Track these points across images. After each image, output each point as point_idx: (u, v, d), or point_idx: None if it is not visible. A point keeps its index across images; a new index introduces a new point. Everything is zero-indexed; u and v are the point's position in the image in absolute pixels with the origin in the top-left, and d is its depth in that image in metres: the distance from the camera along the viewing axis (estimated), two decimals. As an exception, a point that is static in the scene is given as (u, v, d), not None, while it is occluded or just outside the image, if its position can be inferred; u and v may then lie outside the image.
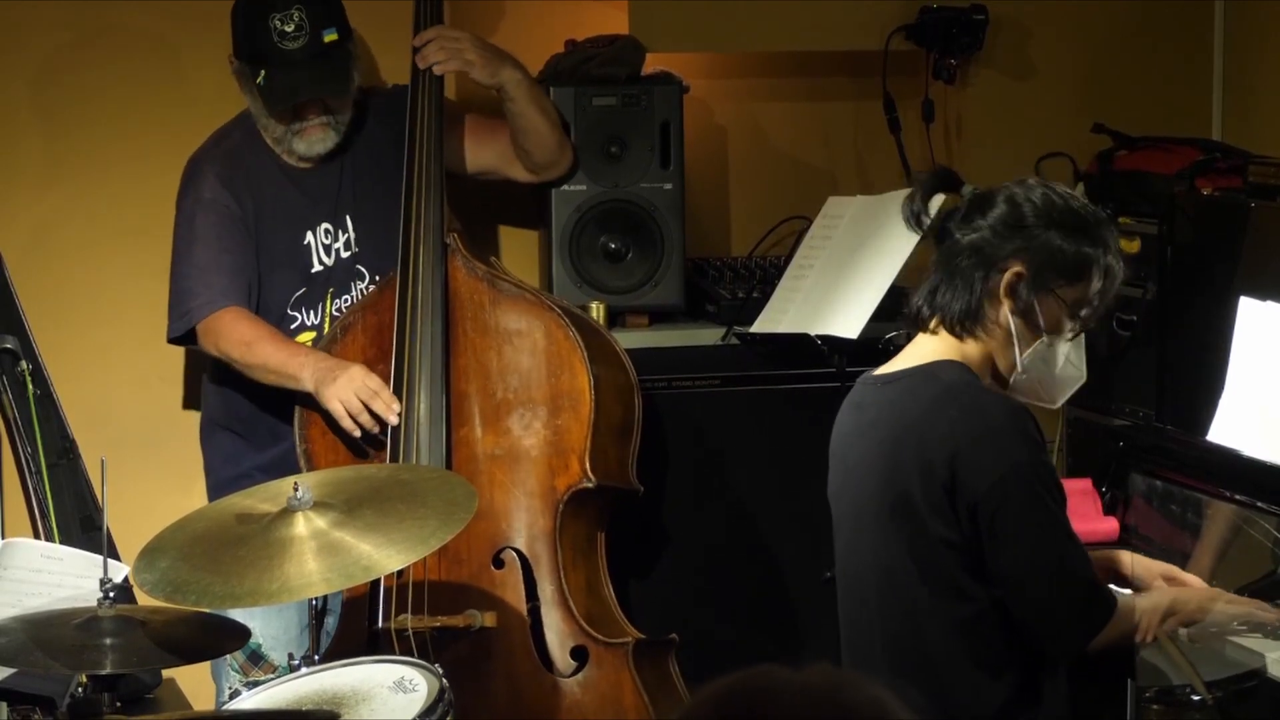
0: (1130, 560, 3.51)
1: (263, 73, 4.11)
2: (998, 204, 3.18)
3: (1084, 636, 3.13)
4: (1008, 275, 3.14)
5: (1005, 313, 3.15)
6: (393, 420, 3.98)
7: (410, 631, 3.90)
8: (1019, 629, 3.12)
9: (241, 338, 4.10)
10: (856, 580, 3.25)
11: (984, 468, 3.06)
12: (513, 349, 4.07)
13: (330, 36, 4.14)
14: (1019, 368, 3.18)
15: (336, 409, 3.98)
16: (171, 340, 4.24)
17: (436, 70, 4.19)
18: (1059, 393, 3.26)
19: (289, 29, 4.09)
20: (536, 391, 4.04)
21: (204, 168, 4.23)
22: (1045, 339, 3.17)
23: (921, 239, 4.29)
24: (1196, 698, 3.26)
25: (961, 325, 3.16)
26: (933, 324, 3.20)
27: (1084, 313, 3.18)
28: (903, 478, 3.12)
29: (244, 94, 4.22)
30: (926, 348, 3.22)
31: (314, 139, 4.20)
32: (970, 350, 3.18)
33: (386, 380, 4.03)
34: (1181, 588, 3.40)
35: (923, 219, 3.26)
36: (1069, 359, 3.22)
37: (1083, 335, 3.24)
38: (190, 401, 4.59)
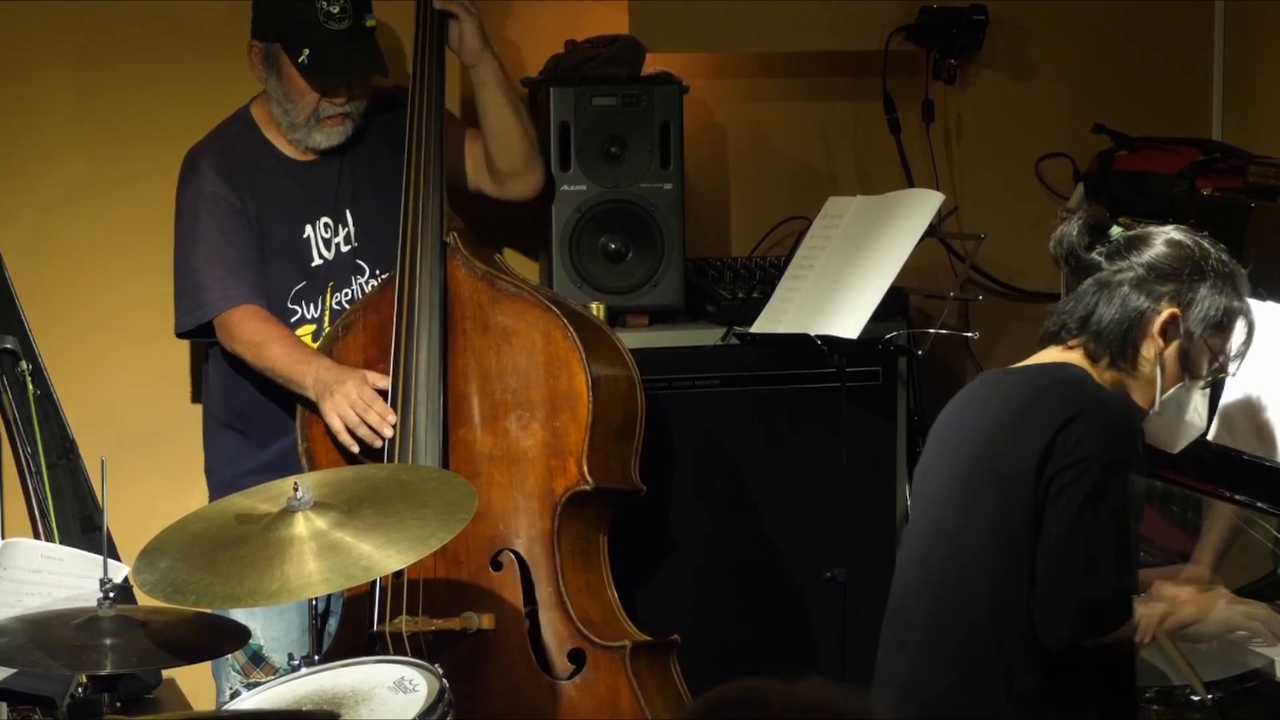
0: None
1: (307, 51, 4.12)
2: (1155, 245, 3.28)
3: (1078, 632, 3.14)
4: (1163, 315, 3.25)
5: (1155, 352, 3.27)
6: (387, 433, 3.98)
7: (405, 634, 3.90)
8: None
9: (251, 339, 4.11)
10: (921, 544, 3.30)
11: (1078, 445, 3.14)
12: (511, 350, 4.07)
13: (370, 21, 4.18)
14: (1156, 407, 3.30)
15: (335, 424, 3.99)
16: (180, 334, 4.24)
17: (437, 4, 4.18)
18: (1181, 440, 3.39)
19: (335, 10, 4.11)
20: (534, 393, 4.04)
21: (201, 161, 4.23)
22: (1186, 382, 3.30)
23: (921, 240, 4.33)
24: (1196, 698, 3.27)
25: (1111, 355, 3.27)
26: (1073, 342, 3.30)
27: (1222, 363, 3.31)
28: (1005, 446, 3.20)
29: (267, 79, 4.20)
30: (1059, 357, 3.32)
31: (334, 131, 4.22)
32: (1104, 376, 3.28)
33: (386, 377, 4.03)
34: (1180, 588, 3.40)
35: (1078, 255, 3.33)
36: (1196, 409, 3.35)
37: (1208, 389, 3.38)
38: (190, 402, 4.59)
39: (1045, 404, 3.20)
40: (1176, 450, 3.42)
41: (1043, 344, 3.35)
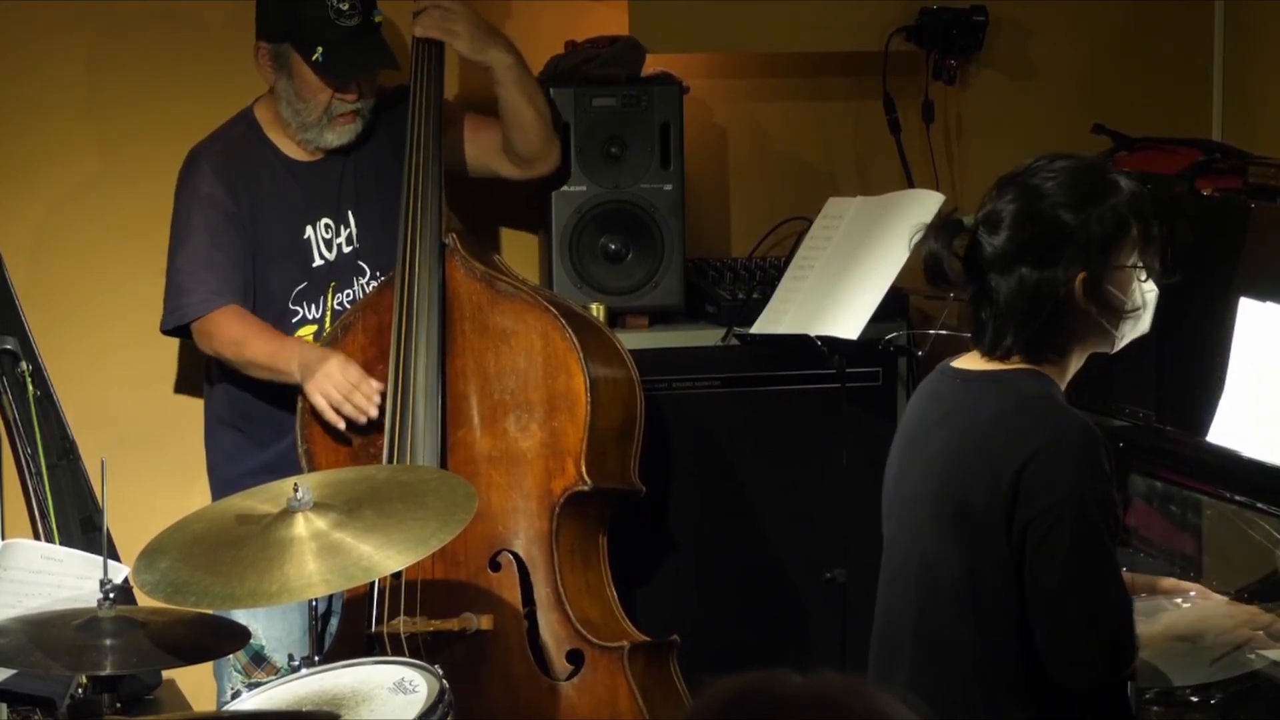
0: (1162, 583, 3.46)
1: (320, 49, 4.14)
2: (1018, 217, 3.06)
3: (1098, 675, 3.06)
4: (1076, 285, 3.05)
5: (1089, 316, 3.08)
6: (372, 412, 4.00)
7: (404, 635, 3.90)
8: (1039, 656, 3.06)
9: (232, 338, 4.12)
10: (901, 570, 3.20)
11: (1046, 486, 3.00)
12: (510, 350, 4.07)
13: (377, 17, 4.20)
14: (1122, 343, 3.14)
15: (319, 403, 4.01)
16: (164, 332, 4.25)
17: (417, 32, 4.21)
18: (1148, 324, 3.18)
19: (344, 7, 4.14)
20: (533, 393, 4.04)
21: (202, 161, 4.24)
22: (1128, 306, 3.10)
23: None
24: (1195, 698, 3.26)
25: (1058, 354, 3.11)
26: (1014, 358, 3.11)
27: (1139, 261, 3.09)
28: (965, 482, 3.07)
29: (276, 79, 4.21)
30: (1006, 365, 3.14)
31: (345, 129, 4.23)
32: (1055, 367, 3.13)
33: (384, 380, 4.03)
34: (1176, 611, 3.37)
35: (947, 266, 3.12)
36: (1145, 297, 3.13)
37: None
38: (190, 402, 4.59)
39: (1005, 439, 3.04)
40: (1147, 330, 3.20)
41: (986, 352, 3.13)
